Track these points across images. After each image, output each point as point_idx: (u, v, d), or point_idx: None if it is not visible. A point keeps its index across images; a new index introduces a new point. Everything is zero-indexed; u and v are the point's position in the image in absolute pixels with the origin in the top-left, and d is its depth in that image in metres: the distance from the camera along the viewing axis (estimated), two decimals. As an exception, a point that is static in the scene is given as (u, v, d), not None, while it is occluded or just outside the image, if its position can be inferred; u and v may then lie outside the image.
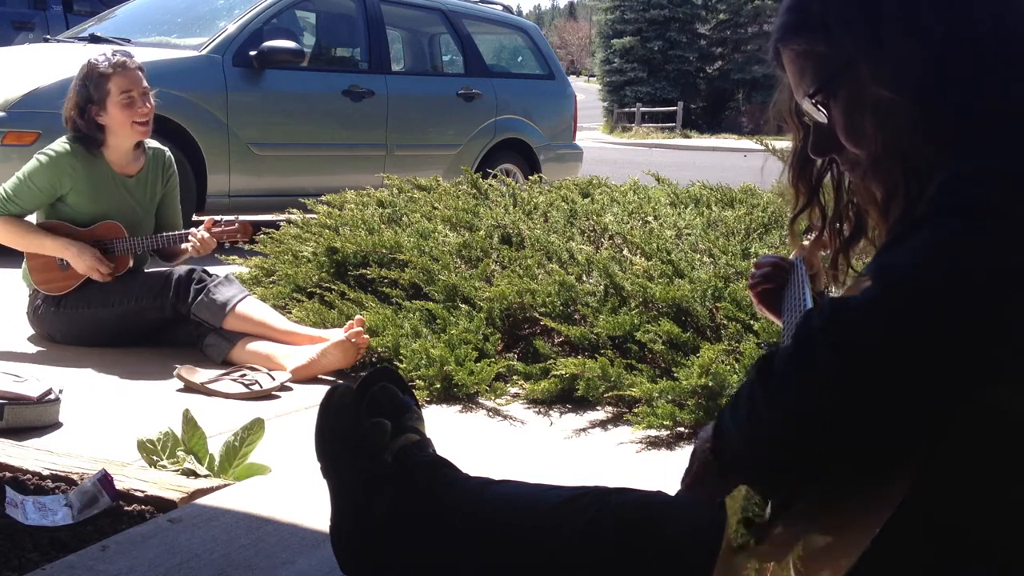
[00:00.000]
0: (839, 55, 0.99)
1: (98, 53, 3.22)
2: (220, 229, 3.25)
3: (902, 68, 0.94)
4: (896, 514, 0.78)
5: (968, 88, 0.93)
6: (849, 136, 1.02)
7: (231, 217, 3.31)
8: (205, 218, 3.33)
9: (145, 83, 3.20)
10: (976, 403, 0.81)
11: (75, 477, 1.86)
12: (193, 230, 3.23)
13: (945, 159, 0.93)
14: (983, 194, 0.84)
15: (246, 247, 3.61)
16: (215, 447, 2.03)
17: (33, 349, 3.17)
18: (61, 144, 3.18)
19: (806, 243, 1.54)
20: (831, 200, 1.16)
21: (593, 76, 50.12)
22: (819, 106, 1.03)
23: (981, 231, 0.81)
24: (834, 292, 1.34)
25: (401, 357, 2.85)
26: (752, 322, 2.66)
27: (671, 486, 1.37)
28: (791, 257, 1.50)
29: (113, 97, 3.12)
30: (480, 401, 2.69)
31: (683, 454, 2.33)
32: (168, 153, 3.45)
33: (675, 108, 29.72)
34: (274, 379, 2.78)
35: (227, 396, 2.70)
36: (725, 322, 2.72)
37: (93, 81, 3.13)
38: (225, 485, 1.90)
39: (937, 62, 0.94)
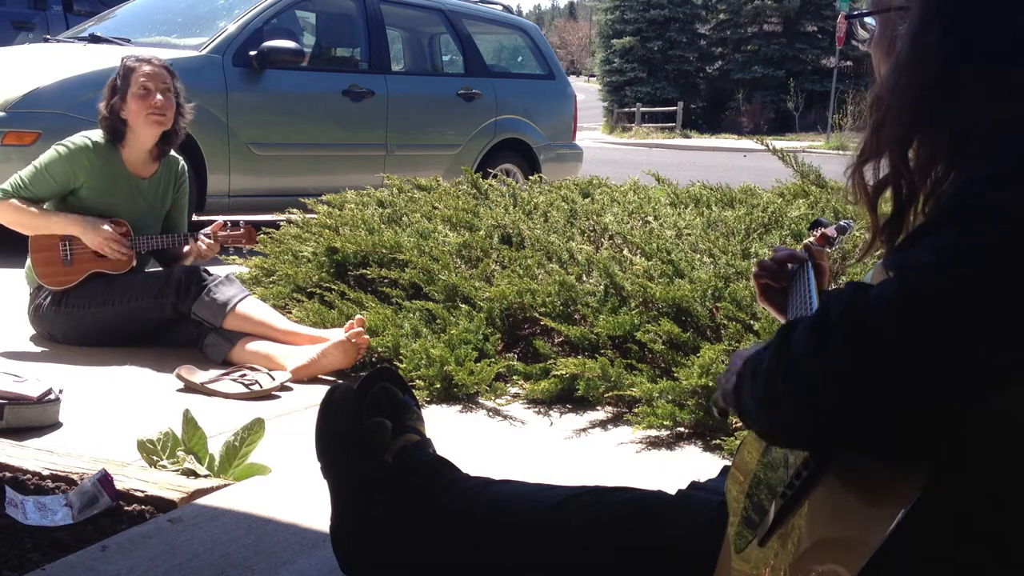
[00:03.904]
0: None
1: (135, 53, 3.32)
2: (226, 233, 3.28)
3: (939, 35, 0.95)
4: (908, 515, 0.78)
5: (991, 84, 0.93)
6: (875, 67, 1.04)
7: (236, 218, 3.32)
8: (206, 218, 3.34)
9: (168, 81, 3.26)
10: (987, 406, 0.81)
11: (75, 477, 1.86)
12: (199, 233, 3.25)
13: (957, 155, 0.93)
14: (999, 197, 0.84)
15: (246, 247, 3.61)
16: (215, 447, 2.03)
17: (33, 349, 3.17)
18: (81, 138, 3.22)
19: (812, 240, 1.54)
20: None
21: (593, 76, 50.09)
22: (863, 26, 1.07)
23: (996, 234, 0.81)
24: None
25: (401, 357, 2.85)
26: (752, 322, 2.66)
27: (671, 486, 1.37)
28: (799, 251, 1.49)
29: (132, 88, 3.18)
30: (480, 401, 2.69)
31: (683, 454, 2.33)
32: (182, 162, 3.49)
33: (675, 108, 29.70)
34: (274, 379, 2.78)
35: (227, 396, 2.70)
36: (725, 322, 2.72)
37: (121, 74, 3.22)
38: (225, 485, 1.90)
39: (966, 50, 0.94)
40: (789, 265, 1.47)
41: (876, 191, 1.03)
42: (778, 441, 0.98)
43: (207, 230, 3.29)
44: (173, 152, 3.44)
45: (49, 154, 3.18)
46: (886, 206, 1.05)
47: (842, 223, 1.63)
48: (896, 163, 0.99)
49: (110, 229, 3.15)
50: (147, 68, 3.22)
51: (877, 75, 1.07)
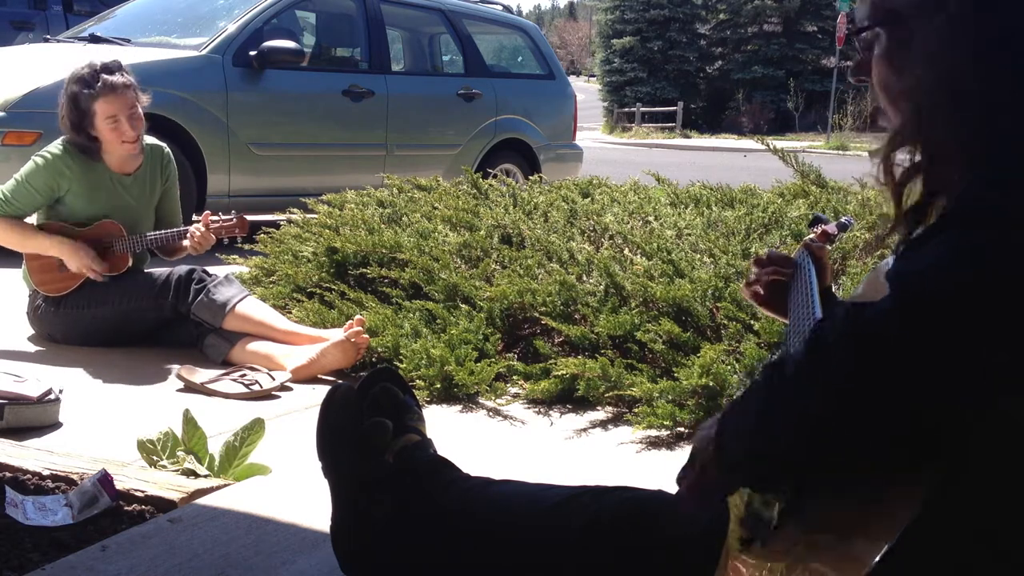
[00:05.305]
0: (891, 3, 0.99)
1: (86, 65, 3.16)
2: (218, 224, 3.25)
3: (945, 46, 0.94)
4: (914, 523, 0.78)
5: (1004, 90, 0.92)
6: (879, 84, 1.02)
7: (228, 216, 3.30)
8: (202, 216, 3.32)
9: (134, 101, 3.16)
10: (991, 412, 0.81)
11: (75, 477, 1.86)
12: (192, 227, 3.23)
13: (966, 160, 0.92)
14: (999, 198, 0.84)
15: (246, 247, 3.61)
16: (215, 447, 2.03)
17: (33, 349, 3.17)
18: (57, 146, 3.18)
19: (812, 237, 1.53)
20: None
21: (593, 76, 50.10)
22: (860, 42, 1.04)
23: (995, 235, 0.81)
24: (838, 291, 1.31)
25: (401, 357, 2.85)
26: (752, 322, 2.66)
27: (671, 486, 1.36)
28: (795, 256, 1.49)
29: (99, 119, 3.11)
30: (480, 401, 2.69)
31: (683, 454, 2.33)
32: (166, 149, 3.45)
33: (675, 108, 29.70)
34: (274, 379, 2.78)
35: (227, 396, 2.70)
36: (725, 322, 2.72)
37: (80, 102, 3.11)
38: (225, 485, 1.90)
39: (982, 56, 0.92)
40: (794, 256, 1.47)
41: (905, 177, 1.02)
42: (771, 477, 0.95)
43: (199, 223, 3.26)
44: (156, 140, 3.41)
45: (28, 166, 3.15)
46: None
47: (843, 220, 1.62)
48: (925, 155, 0.98)
49: (91, 258, 3.12)
50: (109, 100, 3.10)
51: (881, 70, 1.04)
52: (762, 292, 1.48)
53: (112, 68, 3.16)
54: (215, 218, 3.25)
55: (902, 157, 1.02)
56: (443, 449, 1.53)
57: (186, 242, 3.25)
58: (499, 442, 2.41)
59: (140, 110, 3.19)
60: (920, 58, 0.96)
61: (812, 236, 1.53)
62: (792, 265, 1.47)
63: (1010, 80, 0.91)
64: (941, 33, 0.94)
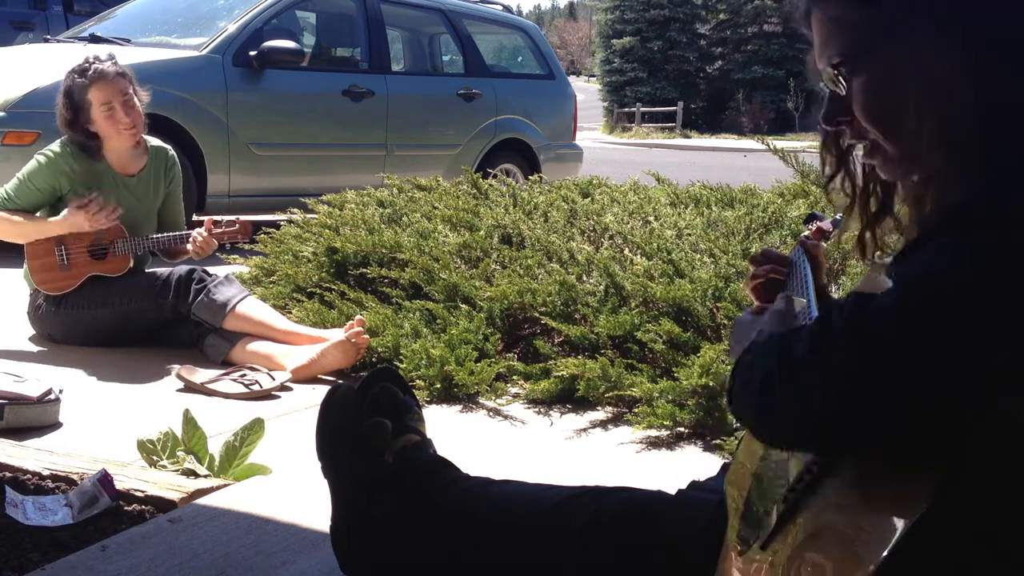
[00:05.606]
0: (872, 26, 0.95)
1: (80, 60, 3.17)
2: (220, 230, 3.25)
3: (936, 54, 0.92)
4: (914, 523, 0.78)
5: (1002, 90, 0.91)
6: (868, 116, 0.98)
7: (231, 218, 3.31)
8: (205, 219, 3.33)
9: (127, 88, 3.16)
10: (991, 412, 0.81)
11: (75, 477, 1.86)
12: (193, 232, 3.23)
13: (965, 161, 0.92)
14: (998, 200, 0.84)
15: (246, 247, 3.61)
16: (215, 447, 2.03)
17: (33, 349, 3.17)
18: (59, 145, 3.18)
19: (808, 234, 1.53)
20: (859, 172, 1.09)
21: (593, 76, 50.12)
22: (840, 78, 0.99)
23: (994, 235, 0.81)
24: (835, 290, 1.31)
25: (401, 357, 2.85)
26: (752, 322, 2.65)
27: (671, 486, 1.37)
28: (791, 254, 1.49)
29: (95, 109, 3.12)
30: (480, 401, 2.69)
31: (683, 454, 2.33)
32: (171, 151, 3.44)
33: (675, 108, 29.72)
34: (274, 379, 2.78)
35: (227, 396, 2.70)
36: (725, 322, 2.72)
37: (74, 94, 3.12)
38: (225, 485, 1.90)
39: (981, 57, 0.91)
40: (789, 254, 1.48)
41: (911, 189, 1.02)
42: (773, 444, 0.97)
43: (201, 229, 3.26)
44: (160, 142, 3.41)
45: (31, 164, 3.16)
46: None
47: (838, 216, 1.62)
48: (928, 164, 0.97)
49: (86, 204, 3.08)
50: (103, 86, 3.11)
51: (868, 100, 0.99)
52: (761, 290, 1.48)
53: (104, 58, 3.18)
54: (218, 219, 3.26)
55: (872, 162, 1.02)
56: (443, 449, 1.53)
57: (189, 246, 3.25)
58: (499, 442, 2.41)
59: (136, 101, 3.20)
60: (911, 72, 0.94)
61: (807, 233, 1.53)
62: (788, 264, 1.47)
63: (1008, 80, 0.91)
64: (930, 43, 0.93)
